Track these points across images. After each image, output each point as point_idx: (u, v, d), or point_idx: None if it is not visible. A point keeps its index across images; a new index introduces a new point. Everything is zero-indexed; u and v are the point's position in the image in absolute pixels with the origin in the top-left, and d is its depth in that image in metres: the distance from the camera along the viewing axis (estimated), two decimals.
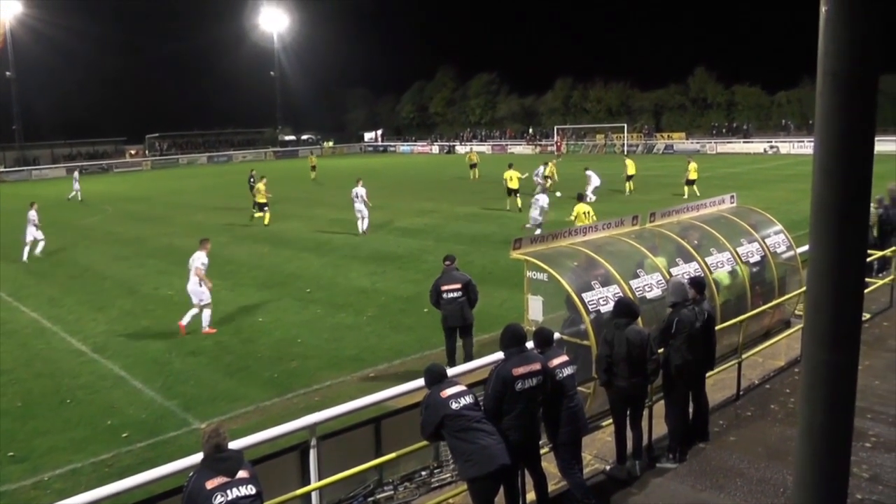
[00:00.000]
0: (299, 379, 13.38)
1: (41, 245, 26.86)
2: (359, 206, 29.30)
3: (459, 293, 12.83)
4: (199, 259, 16.44)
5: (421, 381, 7.91)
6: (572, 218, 21.50)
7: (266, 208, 32.63)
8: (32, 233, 26.64)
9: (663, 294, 11.62)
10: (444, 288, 12.90)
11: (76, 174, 52.74)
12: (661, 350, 9.32)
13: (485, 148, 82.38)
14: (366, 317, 17.10)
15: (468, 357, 12.68)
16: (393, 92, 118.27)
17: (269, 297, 19.28)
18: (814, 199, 1.85)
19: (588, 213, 21.71)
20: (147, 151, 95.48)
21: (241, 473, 5.71)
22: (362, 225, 29.34)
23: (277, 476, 7.87)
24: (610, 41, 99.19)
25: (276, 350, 15.06)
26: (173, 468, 7.23)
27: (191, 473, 5.81)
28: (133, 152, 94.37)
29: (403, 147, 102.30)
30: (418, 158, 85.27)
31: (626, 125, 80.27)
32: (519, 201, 34.20)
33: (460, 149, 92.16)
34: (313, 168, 57.03)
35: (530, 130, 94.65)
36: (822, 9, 1.73)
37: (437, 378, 7.45)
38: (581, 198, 23.09)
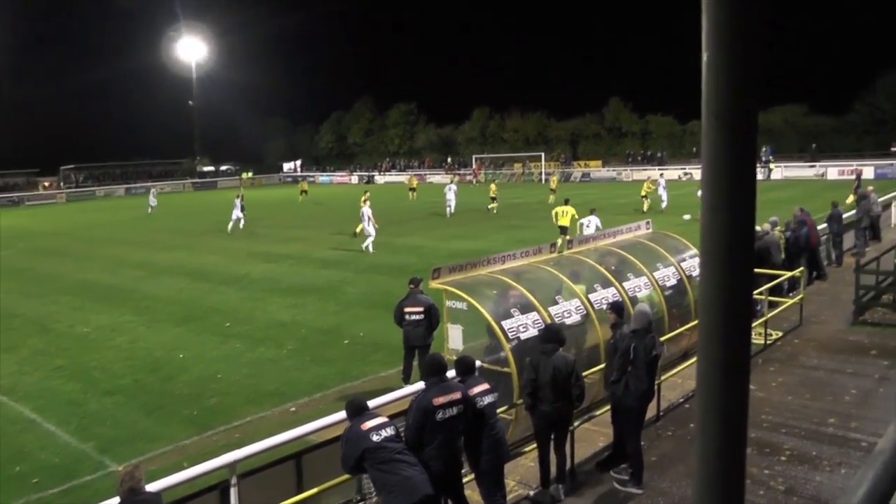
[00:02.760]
0: (219, 416, 13.13)
1: (242, 223, 39.95)
2: (364, 224, 31.07)
3: (421, 316, 13.23)
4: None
5: (342, 415, 7.88)
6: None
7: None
8: (237, 213, 39.89)
9: (582, 320, 11.85)
10: (408, 310, 13.34)
11: (153, 191, 63.92)
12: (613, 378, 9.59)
13: (403, 178, 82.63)
14: (286, 350, 16.90)
15: None
16: (311, 122, 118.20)
17: (188, 333, 18.90)
18: (702, 235, 1.94)
19: (566, 212, 28.18)
20: (62, 183, 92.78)
21: None
22: (368, 244, 30.77)
23: None
24: (526, 72, 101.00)
25: (196, 387, 14.75)
26: None
27: None
28: (46, 184, 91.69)
29: (323, 177, 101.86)
30: (337, 189, 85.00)
31: (543, 154, 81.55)
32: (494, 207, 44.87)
33: (379, 178, 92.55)
34: (304, 192, 65.05)
35: (449, 160, 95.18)
36: (704, 55, 1.83)
37: (357, 410, 7.46)
38: (567, 202, 29.14)
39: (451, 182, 49.46)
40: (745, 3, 1.70)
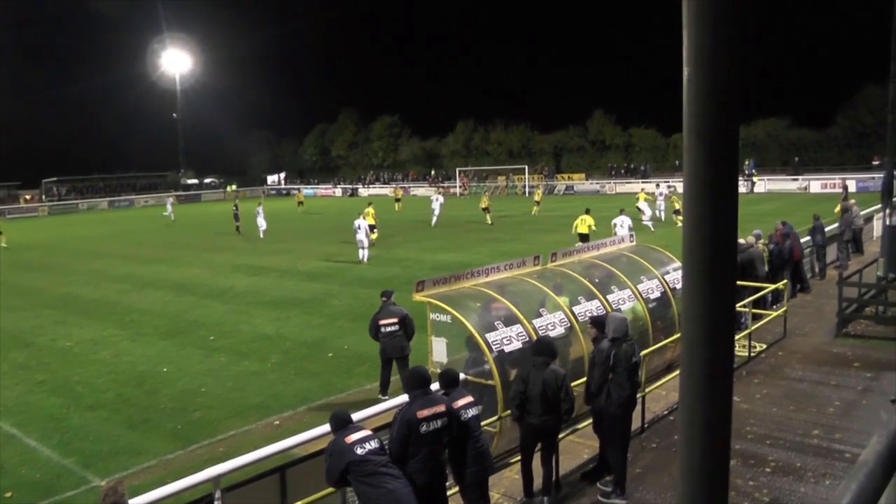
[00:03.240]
0: (203, 430, 13.05)
1: (264, 230, 42.61)
2: (360, 236, 31.13)
3: (397, 327, 13.43)
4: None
5: (326, 428, 7.85)
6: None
7: (376, 230, 36.95)
8: (261, 222, 42.81)
9: (566, 333, 11.84)
10: (382, 322, 13.51)
11: (171, 199, 70.29)
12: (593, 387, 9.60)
13: (387, 191, 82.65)
14: (270, 364, 16.83)
15: None
16: (295, 134, 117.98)
17: (172, 346, 18.79)
18: (685, 248, 1.95)
19: (583, 220, 30.58)
20: (44, 196, 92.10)
21: None
22: (363, 255, 31.13)
23: None
24: (510, 85, 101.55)
25: (180, 401, 14.66)
26: None
27: None
28: (28, 197, 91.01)
29: (307, 190, 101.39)
30: (321, 201, 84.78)
31: (526, 167, 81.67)
32: (489, 218, 45.44)
33: (363, 191, 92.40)
34: (300, 203, 66.99)
35: (432, 172, 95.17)
36: (685, 70, 1.85)
37: (341, 423, 7.42)
38: (588, 211, 31.35)
39: (438, 194, 51.55)
40: (726, 19, 1.73)
